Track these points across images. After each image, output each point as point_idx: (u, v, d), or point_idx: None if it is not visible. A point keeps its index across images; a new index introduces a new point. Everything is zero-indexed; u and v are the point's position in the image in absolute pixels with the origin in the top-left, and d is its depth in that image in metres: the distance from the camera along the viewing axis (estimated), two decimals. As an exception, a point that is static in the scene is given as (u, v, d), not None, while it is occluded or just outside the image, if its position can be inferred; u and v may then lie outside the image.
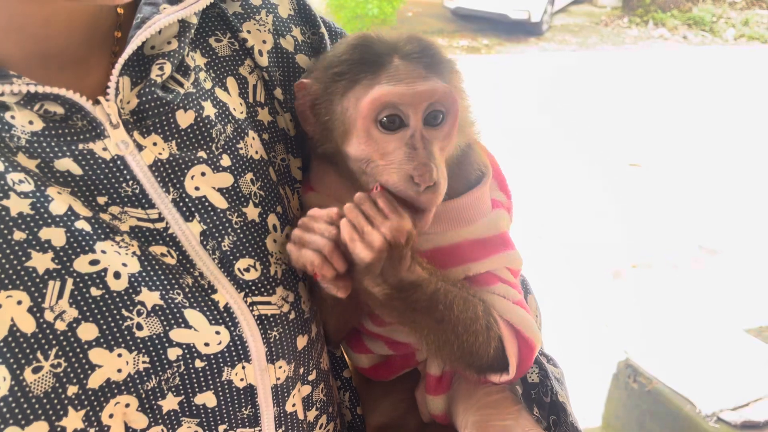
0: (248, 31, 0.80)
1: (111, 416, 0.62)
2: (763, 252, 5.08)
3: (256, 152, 0.75)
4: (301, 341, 0.76)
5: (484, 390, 0.84)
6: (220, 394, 0.68)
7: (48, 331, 0.59)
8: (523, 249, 0.86)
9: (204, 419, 0.68)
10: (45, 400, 0.58)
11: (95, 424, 0.61)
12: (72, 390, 0.59)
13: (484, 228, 0.81)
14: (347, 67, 0.74)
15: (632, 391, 3.30)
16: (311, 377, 0.79)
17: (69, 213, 0.61)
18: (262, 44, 0.80)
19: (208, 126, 0.71)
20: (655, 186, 6.28)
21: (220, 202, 0.70)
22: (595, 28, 13.39)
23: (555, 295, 4.55)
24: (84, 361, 0.60)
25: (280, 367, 0.72)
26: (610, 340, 4.04)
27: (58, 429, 0.59)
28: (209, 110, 0.72)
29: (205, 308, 0.66)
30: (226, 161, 0.71)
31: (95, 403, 0.61)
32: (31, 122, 0.62)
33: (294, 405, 0.75)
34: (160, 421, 0.65)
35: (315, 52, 0.86)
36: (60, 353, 0.59)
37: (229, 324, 0.68)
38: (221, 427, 0.69)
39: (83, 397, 0.60)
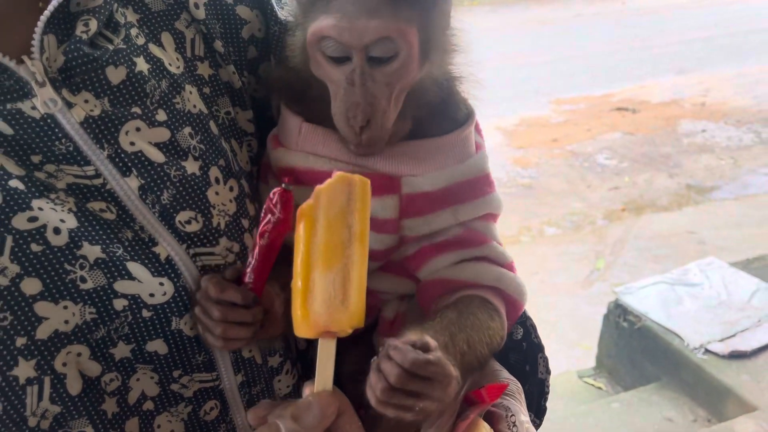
0: None
1: (65, 365, 0.65)
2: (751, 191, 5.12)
3: (194, 106, 0.76)
4: None
5: None
6: (171, 341, 0.70)
7: None
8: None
9: (158, 365, 0.71)
10: None
11: (49, 372, 0.64)
12: (20, 341, 0.62)
13: (472, 169, 0.81)
14: None
15: (623, 330, 3.36)
16: None
17: (1, 173, 0.63)
18: None
19: (141, 81, 0.72)
20: (646, 127, 6.27)
21: (158, 156, 0.71)
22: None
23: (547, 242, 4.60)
24: (30, 314, 0.63)
25: None
26: (603, 283, 4.08)
27: (11, 378, 0.61)
28: (142, 66, 0.72)
29: (146, 261, 0.68)
30: (161, 116, 0.72)
31: (45, 353, 0.63)
32: None
33: (250, 351, 0.78)
34: (113, 368, 0.68)
35: (257, 4, 0.86)
36: (5, 307, 0.61)
37: (172, 275, 0.70)
38: (176, 372, 0.72)
39: (32, 347, 0.63)
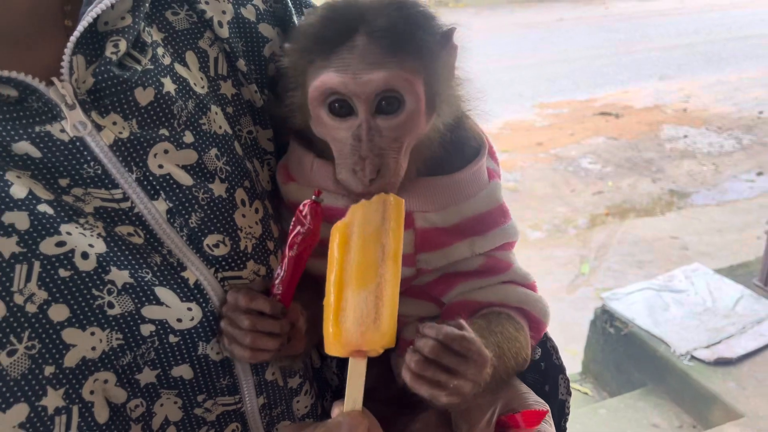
0: (206, 2, 0.78)
1: (92, 392, 0.63)
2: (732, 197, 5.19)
3: (220, 127, 0.75)
4: None
5: None
6: (197, 367, 0.69)
7: (19, 314, 0.59)
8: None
9: (182, 390, 0.70)
10: (23, 382, 0.59)
11: (77, 401, 0.62)
12: (49, 370, 0.60)
13: (485, 201, 0.80)
14: (307, 42, 0.71)
15: (609, 336, 3.39)
16: None
17: (30, 197, 0.61)
18: (222, 15, 0.79)
19: (169, 103, 0.70)
20: (629, 132, 6.33)
21: (185, 179, 0.69)
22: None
23: (533, 245, 4.62)
24: (58, 341, 0.61)
25: None
26: (588, 288, 4.11)
27: (39, 409, 0.60)
28: (169, 86, 0.71)
29: (175, 286, 0.67)
30: (189, 138, 0.71)
31: (74, 381, 0.62)
32: None
33: (273, 374, 0.77)
34: (138, 394, 0.67)
35: (279, 21, 0.85)
36: (33, 335, 0.60)
37: (201, 300, 0.68)
38: (200, 397, 0.71)
39: (61, 376, 0.61)
